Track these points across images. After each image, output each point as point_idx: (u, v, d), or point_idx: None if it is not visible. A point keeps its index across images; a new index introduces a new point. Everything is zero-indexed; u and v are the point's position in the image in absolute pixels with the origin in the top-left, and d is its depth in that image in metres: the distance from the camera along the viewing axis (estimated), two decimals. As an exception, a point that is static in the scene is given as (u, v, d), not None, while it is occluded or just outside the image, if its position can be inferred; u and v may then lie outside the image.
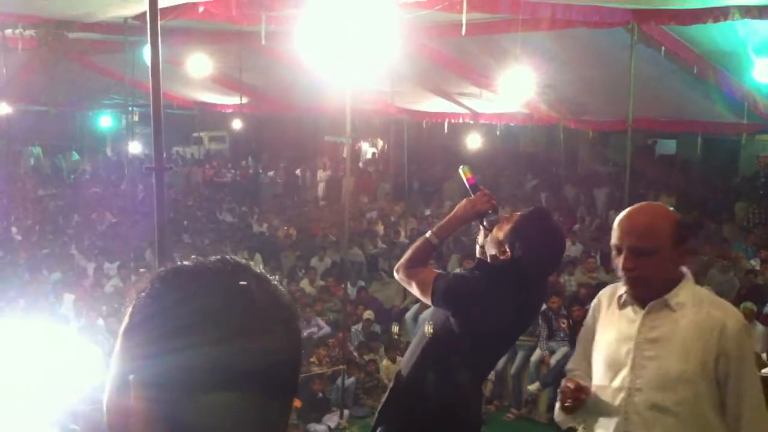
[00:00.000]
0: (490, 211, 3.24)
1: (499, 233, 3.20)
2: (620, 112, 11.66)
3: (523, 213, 3.28)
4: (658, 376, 2.66)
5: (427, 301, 3.17)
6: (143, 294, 0.95)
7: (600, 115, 13.90)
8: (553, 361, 9.30)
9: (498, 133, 17.57)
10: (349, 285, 11.17)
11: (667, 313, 2.73)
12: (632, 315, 2.81)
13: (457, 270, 3.43)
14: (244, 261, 1.00)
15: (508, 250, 3.14)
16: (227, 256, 0.99)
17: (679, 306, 2.71)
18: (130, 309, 0.95)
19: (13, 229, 15.46)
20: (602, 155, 21.10)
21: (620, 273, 2.77)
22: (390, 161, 22.27)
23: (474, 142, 17.36)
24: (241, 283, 0.95)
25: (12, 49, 11.85)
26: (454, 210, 3.36)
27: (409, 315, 11.05)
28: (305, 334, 9.71)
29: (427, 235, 3.30)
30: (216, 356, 0.87)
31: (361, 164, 23.91)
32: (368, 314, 10.82)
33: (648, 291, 2.76)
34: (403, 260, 3.30)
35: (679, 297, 2.73)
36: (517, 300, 3.13)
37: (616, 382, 2.76)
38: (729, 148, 18.75)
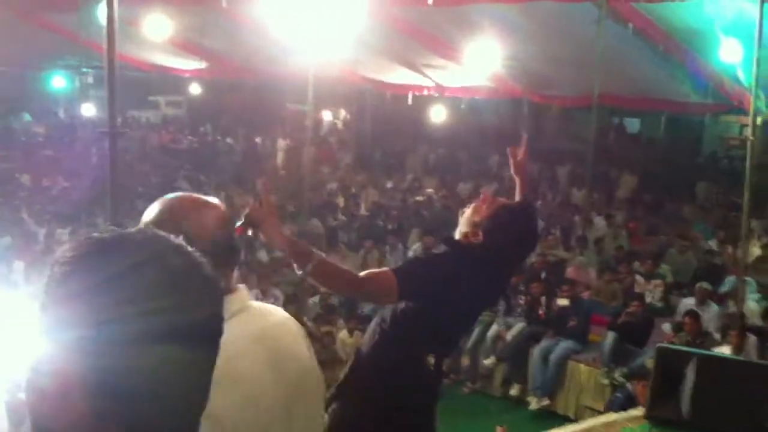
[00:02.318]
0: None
1: (476, 216, 3.10)
2: (585, 88, 11.62)
3: (507, 204, 3.21)
4: None
5: (393, 301, 2.99)
6: (60, 267, 0.93)
7: (565, 90, 13.86)
8: (509, 336, 9.33)
9: (462, 106, 17.49)
10: (307, 257, 11.01)
11: None
12: None
13: (412, 254, 3.32)
14: (162, 233, 1.00)
15: (480, 234, 3.03)
16: (143, 228, 1.01)
17: None
18: (46, 283, 0.94)
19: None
20: (566, 132, 21.13)
21: None
22: (352, 132, 22.09)
23: (438, 115, 17.23)
24: (160, 253, 0.95)
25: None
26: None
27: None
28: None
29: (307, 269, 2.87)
30: (139, 320, 0.89)
31: (322, 134, 23.67)
32: (326, 287, 10.70)
33: None
34: (341, 286, 3.12)
35: None
36: (477, 281, 3.04)
37: None
38: (693, 127, 18.92)
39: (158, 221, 1.67)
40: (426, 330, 3.01)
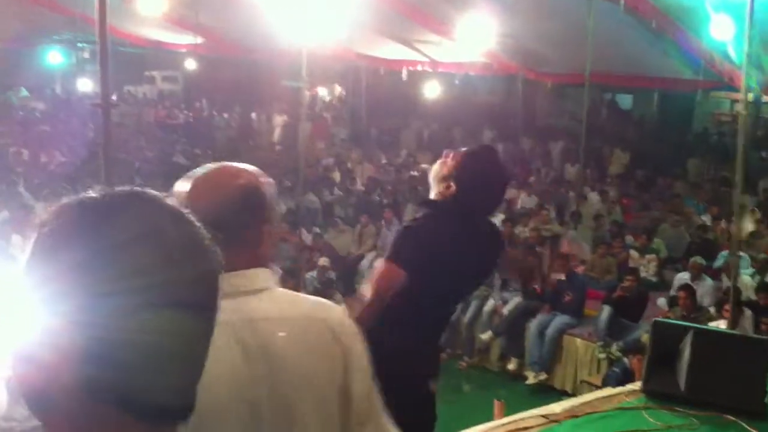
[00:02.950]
0: None
1: (444, 169, 3.18)
2: (578, 65, 11.67)
3: (468, 149, 3.28)
4: None
5: (405, 282, 3.05)
6: (49, 235, 0.90)
7: (558, 67, 13.90)
8: (505, 311, 9.40)
9: (456, 82, 17.51)
10: (304, 231, 11.09)
11: None
12: None
13: (402, 226, 3.31)
14: (159, 196, 0.95)
15: (453, 184, 3.12)
16: (138, 189, 0.95)
17: None
18: (33, 249, 0.90)
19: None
20: (559, 108, 21.17)
21: None
22: (347, 107, 22.10)
23: (432, 91, 17.27)
24: (156, 222, 0.92)
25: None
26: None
27: (365, 263, 11.04)
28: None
29: None
30: (133, 292, 0.86)
31: (317, 109, 23.67)
32: (324, 261, 10.77)
33: None
34: (373, 316, 2.98)
35: None
36: (461, 237, 3.11)
37: None
38: (685, 104, 18.95)
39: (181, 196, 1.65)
40: (415, 297, 3.05)
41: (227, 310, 1.61)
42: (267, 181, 1.81)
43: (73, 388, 0.86)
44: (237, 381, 1.60)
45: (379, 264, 3.14)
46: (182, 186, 1.71)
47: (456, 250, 3.11)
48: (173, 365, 0.90)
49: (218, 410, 1.56)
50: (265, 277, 1.72)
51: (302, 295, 1.84)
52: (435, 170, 3.23)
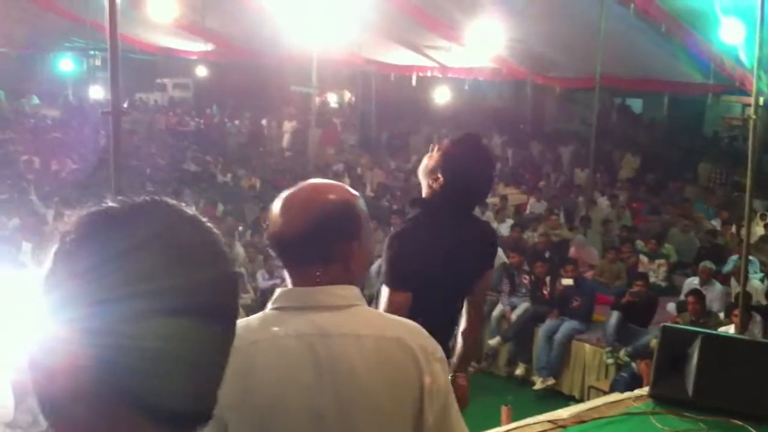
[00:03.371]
0: None
1: (431, 161, 3.18)
2: (588, 69, 11.65)
3: (452, 138, 3.28)
4: None
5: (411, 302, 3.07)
6: (67, 242, 0.91)
7: (568, 71, 13.88)
8: (514, 316, 9.37)
9: (466, 87, 17.50)
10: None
11: None
12: None
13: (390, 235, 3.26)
14: (176, 204, 0.96)
15: (440, 176, 3.12)
16: (156, 197, 0.96)
17: None
18: (53, 257, 0.92)
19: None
20: (569, 113, 21.13)
21: None
22: (357, 113, 22.12)
23: (442, 96, 17.26)
24: (171, 227, 0.92)
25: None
26: None
27: (373, 269, 11.01)
28: (268, 285, 9.67)
29: None
30: (147, 298, 0.87)
31: (327, 115, 23.69)
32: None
33: None
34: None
35: None
36: (453, 231, 3.10)
37: None
38: (695, 108, 18.88)
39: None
40: (427, 304, 3.08)
41: (306, 323, 1.69)
42: (357, 198, 1.85)
43: (86, 393, 0.86)
44: (304, 390, 1.65)
45: (383, 290, 3.08)
46: (275, 204, 1.77)
47: (450, 246, 3.09)
48: (187, 371, 0.90)
49: (283, 413, 1.63)
50: (349, 294, 1.74)
51: (388, 316, 1.86)
52: (423, 165, 3.23)
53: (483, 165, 3.22)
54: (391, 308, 2.96)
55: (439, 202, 3.13)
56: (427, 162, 3.21)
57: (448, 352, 3.49)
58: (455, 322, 3.52)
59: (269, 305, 1.76)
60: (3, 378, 6.52)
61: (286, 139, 21.32)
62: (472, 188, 3.22)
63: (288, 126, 21.57)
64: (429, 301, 3.00)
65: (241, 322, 1.74)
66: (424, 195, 3.23)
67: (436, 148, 3.22)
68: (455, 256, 3.12)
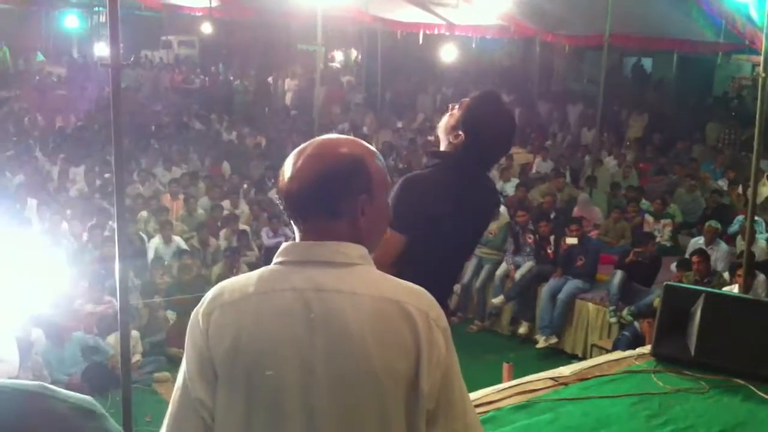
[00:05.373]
0: None
1: (452, 119, 3.14)
2: (597, 27, 11.51)
3: (474, 95, 3.23)
4: None
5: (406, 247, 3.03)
6: None
7: (577, 29, 13.70)
8: (518, 275, 9.39)
9: (473, 46, 17.33)
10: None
11: None
12: None
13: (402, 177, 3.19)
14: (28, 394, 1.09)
15: (461, 132, 3.09)
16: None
17: None
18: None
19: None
20: (577, 71, 20.93)
21: None
22: (363, 71, 21.95)
23: (449, 54, 17.08)
24: None
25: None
26: None
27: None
28: (273, 243, 9.68)
29: None
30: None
31: (333, 73, 23.53)
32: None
33: None
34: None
35: None
36: (466, 192, 3.05)
37: None
38: (704, 68, 18.67)
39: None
40: (424, 258, 3.07)
41: (304, 278, 1.70)
42: (371, 153, 1.78)
43: None
44: (296, 342, 1.63)
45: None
46: (289, 158, 1.76)
47: (460, 201, 3.05)
48: None
49: (273, 364, 1.63)
50: (352, 252, 1.71)
51: (395, 280, 1.76)
52: (443, 123, 3.19)
53: (504, 123, 3.19)
54: (384, 248, 2.94)
55: (459, 157, 3.10)
56: (447, 120, 3.17)
57: (447, 309, 3.48)
58: (455, 280, 3.51)
59: (274, 260, 1.75)
60: (8, 334, 6.58)
61: (288, 98, 21.20)
62: (493, 146, 3.19)
63: (290, 84, 21.44)
64: (429, 252, 2.99)
65: (241, 277, 1.75)
66: (442, 149, 3.19)
67: (457, 106, 3.19)
68: (463, 213, 3.07)
